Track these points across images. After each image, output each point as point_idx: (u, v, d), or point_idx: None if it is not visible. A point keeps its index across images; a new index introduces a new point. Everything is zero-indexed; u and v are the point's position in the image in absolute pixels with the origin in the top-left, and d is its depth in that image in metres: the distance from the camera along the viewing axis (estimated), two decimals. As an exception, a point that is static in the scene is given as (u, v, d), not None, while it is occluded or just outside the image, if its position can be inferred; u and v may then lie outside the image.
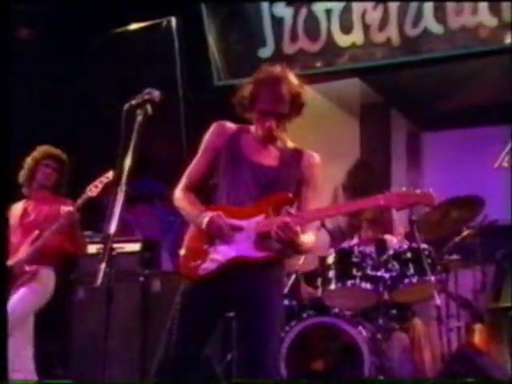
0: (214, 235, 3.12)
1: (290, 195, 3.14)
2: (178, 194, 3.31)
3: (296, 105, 3.22)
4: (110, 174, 4.84)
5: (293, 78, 3.24)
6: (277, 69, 3.27)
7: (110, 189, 4.99)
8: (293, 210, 3.14)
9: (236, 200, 3.18)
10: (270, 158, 3.25)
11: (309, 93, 3.32)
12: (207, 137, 3.34)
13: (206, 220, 3.12)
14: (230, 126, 3.34)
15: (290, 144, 3.34)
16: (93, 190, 4.87)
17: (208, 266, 3.14)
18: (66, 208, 4.85)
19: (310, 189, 3.25)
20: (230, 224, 3.10)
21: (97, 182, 4.91)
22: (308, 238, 3.19)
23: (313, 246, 3.26)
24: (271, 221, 3.05)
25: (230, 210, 3.16)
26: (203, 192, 3.38)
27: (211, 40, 7.04)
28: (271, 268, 3.15)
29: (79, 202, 4.88)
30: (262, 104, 3.19)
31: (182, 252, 3.30)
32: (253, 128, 3.30)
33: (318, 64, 6.76)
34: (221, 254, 3.13)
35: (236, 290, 3.11)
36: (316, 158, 3.32)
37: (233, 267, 3.10)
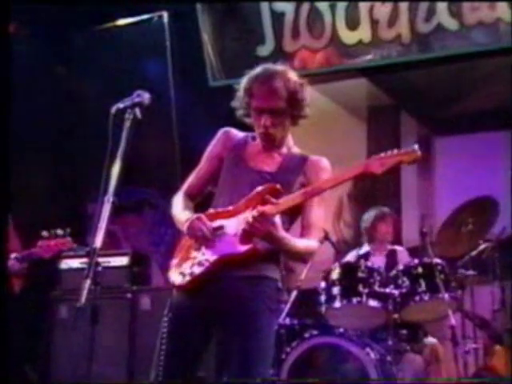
0: (196, 238, 3.19)
1: (278, 186, 3.15)
2: (174, 200, 3.41)
3: (294, 102, 3.24)
4: (68, 242, 4.87)
5: (291, 74, 3.28)
6: (274, 65, 3.33)
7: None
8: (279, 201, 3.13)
9: (233, 205, 3.23)
10: (269, 163, 3.30)
11: (311, 93, 3.33)
12: (212, 144, 3.44)
13: (186, 224, 3.19)
14: (236, 133, 3.43)
15: (295, 149, 3.39)
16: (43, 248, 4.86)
17: (194, 270, 3.20)
18: None
19: None
20: (210, 225, 3.17)
21: (48, 242, 4.90)
22: (302, 242, 3.21)
23: (310, 253, 3.26)
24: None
25: (218, 213, 3.24)
26: (206, 200, 3.44)
27: (206, 37, 7.04)
28: (260, 280, 3.18)
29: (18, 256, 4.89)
30: (256, 100, 3.24)
31: (173, 262, 3.35)
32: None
33: (322, 63, 6.75)
34: (206, 256, 3.19)
35: (220, 302, 3.15)
36: (323, 162, 3.34)
37: (219, 270, 3.14)
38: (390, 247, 6.01)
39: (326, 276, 5.23)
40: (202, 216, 3.20)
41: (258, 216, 3.02)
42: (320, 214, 3.29)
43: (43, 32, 7.10)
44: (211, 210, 3.29)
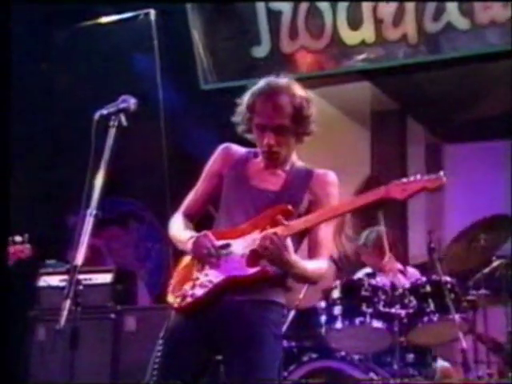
0: (201, 258, 3.19)
1: (289, 207, 3.16)
2: (173, 221, 3.42)
3: (299, 119, 3.24)
4: (26, 249, 4.89)
5: (296, 89, 3.28)
6: (278, 79, 3.33)
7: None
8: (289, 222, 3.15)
9: (233, 227, 3.24)
10: (272, 181, 3.32)
11: (314, 101, 3.34)
12: (211, 161, 3.46)
13: (191, 241, 3.20)
14: (237, 149, 3.44)
15: (299, 164, 3.40)
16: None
17: (196, 291, 3.18)
18: None
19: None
20: (217, 243, 3.17)
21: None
22: (312, 264, 3.21)
23: (319, 276, 3.26)
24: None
25: (223, 232, 3.24)
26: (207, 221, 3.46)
27: (196, 36, 7.04)
28: (266, 305, 3.19)
29: None
30: (259, 117, 3.25)
31: (171, 283, 3.33)
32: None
33: (322, 65, 6.76)
34: (210, 277, 3.18)
35: (222, 326, 3.14)
36: (329, 176, 3.35)
37: (223, 292, 3.15)
38: (399, 267, 5.99)
39: (327, 295, 5.21)
40: (209, 233, 3.20)
41: (272, 237, 3.03)
42: (329, 232, 3.30)
43: (24, 28, 7.09)
44: (215, 230, 3.29)
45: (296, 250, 3.21)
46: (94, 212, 2.96)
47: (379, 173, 7.63)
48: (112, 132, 3.09)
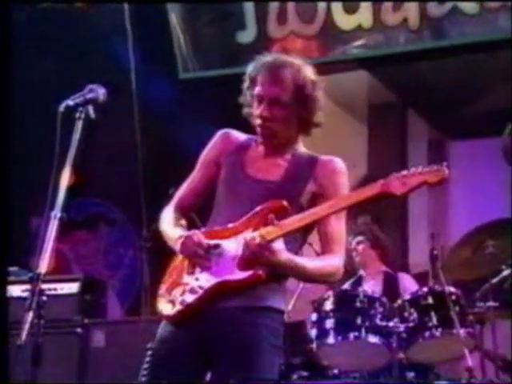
0: (190, 258, 3.21)
1: (284, 203, 3.15)
2: (164, 215, 3.42)
3: (301, 97, 3.28)
4: None
5: (304, 67, 3.32)
6: (285, 56, 3.39)
7: None
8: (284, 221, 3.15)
9: (231, 221, 3.24)
10: (273, 171, 3.32)
11: (322, 88, 3.37)
12: (208, 147, 3.48)
13: (180, 241, 3.20)
14: (238, 136, 3.45)
15: (303, 150, 3.42)
16: None
17: (186, 298, 3.19)
18: None
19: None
20: (207, 244, 3.18)
21: None
22: (316, 262, 3.24)
23: (328, 274, 3.25)
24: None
25: (215, 231, 3.25)
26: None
27: (175, 20, 7.05)
28: (263, 311, 3.19)
29: None
30: (258, 88, 3.29)
31: (161, 289, 3.33)
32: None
33: (314, 52, 6.78)
34: (200, 282, 3.19)
35: (215, 336, 3.15)
36: (336, 163, 3.36)
37: (215, 298, 3.16)
38: (384, 269, 6.05)
39: (318, 306, 5.21)
40: (198, 232, 3.21)
41: (253, 242, 3.05)
42: (341, 226, 3.29)
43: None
44: (207, 228, 3.31)
45: (300, 247, 3.24)
46: (60, 214, 2.96)
47: (377, 172, 7.64)
48: (79, 125, 3.09)
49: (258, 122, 3.30)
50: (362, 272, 6.11)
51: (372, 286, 5.75)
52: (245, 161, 3.36)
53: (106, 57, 6.95)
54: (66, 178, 3.01)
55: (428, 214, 7.80)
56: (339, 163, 3.36)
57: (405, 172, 3.09)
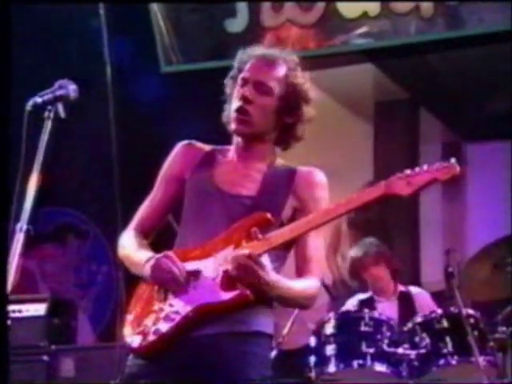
0: (164, 284, 3.17)
1: (268, 215, 3.16)
2: (122, 240, 3.39)
3: (289, 98, 3.28)
4: None
5: (299, 67, 3.34)
6: (272, 49, 3.40)
7: None
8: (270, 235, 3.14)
9: (204, 241, 3.23)
10: (247, 185, 3.32)
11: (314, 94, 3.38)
12: (168, 162, 3.46)
13: (150, 265, 3.17)
14: (201, 147, 3.44)
15: (279, 161, 3.41)
16: None
17: (160, 327, 3.15)
18: None
19: None
20: (183, 266, 3.15)
21: None
22: (299, 283, 3.21)
23: (310, 298, 3.25)
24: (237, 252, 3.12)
25: (188, 251, 3.22)
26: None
27: (156, 6, 7.05)
28: (250, 337, 3.17)
29: None
30: (245, 72, 3.30)
31: (128, 318, 3.29)
32: (233, 148, 3.39)
33: (313, 43, 6.79)
34: (176, 307, 3.16)
35: (197, 369, 3.11)
36: (316, 175, 3.36)
37: (194, 325, 3.13)
38: (402, 289, 6.04)
39: (318, 330, 5.23)
40: (171, 253, 3.18)
41: (244, 258, 3.03)
42: (319, 243, 3.30)
43: None
44: (176, 248, 3.28)
45: (280, 266, 3.22)
46: (25, 227, 2.95)
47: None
48: (48, 125, 3.08)
49: (236, 105, 3.27)
50: (371, 293, 6.08)
51: (387, 309, 5.72)
52: (214, 174, 3.34)
53: (77, 48, 6.96)
54: (33, 185, 3.01)
55: (442, 225, 7.82)
56: (319, 175, 3.36)
57: (408, 171, 3.08)
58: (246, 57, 3.35)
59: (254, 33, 6.81)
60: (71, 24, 7.10)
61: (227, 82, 3.38)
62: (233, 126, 3.31)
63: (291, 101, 3.30)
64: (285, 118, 3.32)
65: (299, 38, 6.76)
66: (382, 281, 6.05)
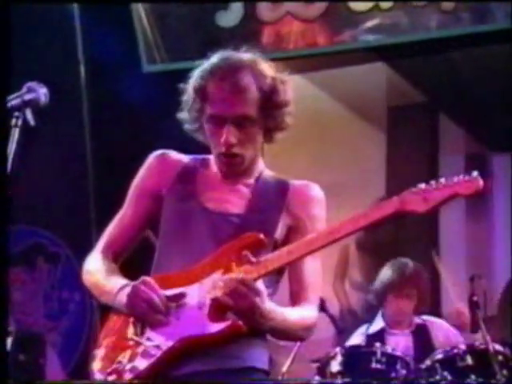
0: (141, 315, 3.15)
1: (261, 236, 3.15)
2: (89, 264, 3.37)
3: (269, 107, 3.27)
4: None
5: (265, 66, 3.30)
6: (238, 53, 3.33)
7: None
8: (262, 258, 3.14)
9: (187, 266, 3.21)
10: (234, 201, 3.32)
11: (301, 84, 3.36)
12: (141, 175, 3.45)
13: (125, 293, 3.16)
14: (179, 158, 3.43)
15: (269, 174, 3.42)
16: None
17: (137, 364, 3.14)
18: None
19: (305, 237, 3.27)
20: (163, 293, 3.14)
21: None
22: (295, 313, 3.21)
23: (307, 328, 3.26)
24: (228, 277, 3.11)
25: (168, 277, 3.21)
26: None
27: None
28: (243, 374, 3.17)
29: None
30: (214, 105, 3.25)
31: (98, 354, 3.26)
32: (213, 158, 3.37)
33: (318, 39, 6.81)
34: (156, 341, 3.14)
35: None
36: (312, 189, 3.37)
37: (177, 361, 3.11)
38: (417, 321, 6.03)
39: (322, 368, 5.24)
40: (150, 280, 3.16)
41: (236, 283, 3.03)
42: (317, 268, 3.30)
43: None
44: (154, 274, 3.27)
45: (274, 293, 3.23)
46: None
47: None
48: (15, 133, 3.10)
49: (221, 150, 3.25)
50: (382, 323, 6.06)
51: (401, 344, 5.73)
52: (197, 190, 3.34)
53: (46, 48, 6.99)
54: (-2, 202, 3.02)
55: (465, 246, 7.83)
56: (315, 189, 3.37)
57: (423, 186, 3.07)
58: (206, 72, 3.29)
59: (249, 27, 6.83)
60: (45, 20, 7.12)
61: (189, 90, 3.33)
62: (224, 169, 3.31)
63: (271, 107, 3.28)
64: (268, 124, 3.30)
65: (302, 34, 6.77)
66: (403, 315, 6.03)
